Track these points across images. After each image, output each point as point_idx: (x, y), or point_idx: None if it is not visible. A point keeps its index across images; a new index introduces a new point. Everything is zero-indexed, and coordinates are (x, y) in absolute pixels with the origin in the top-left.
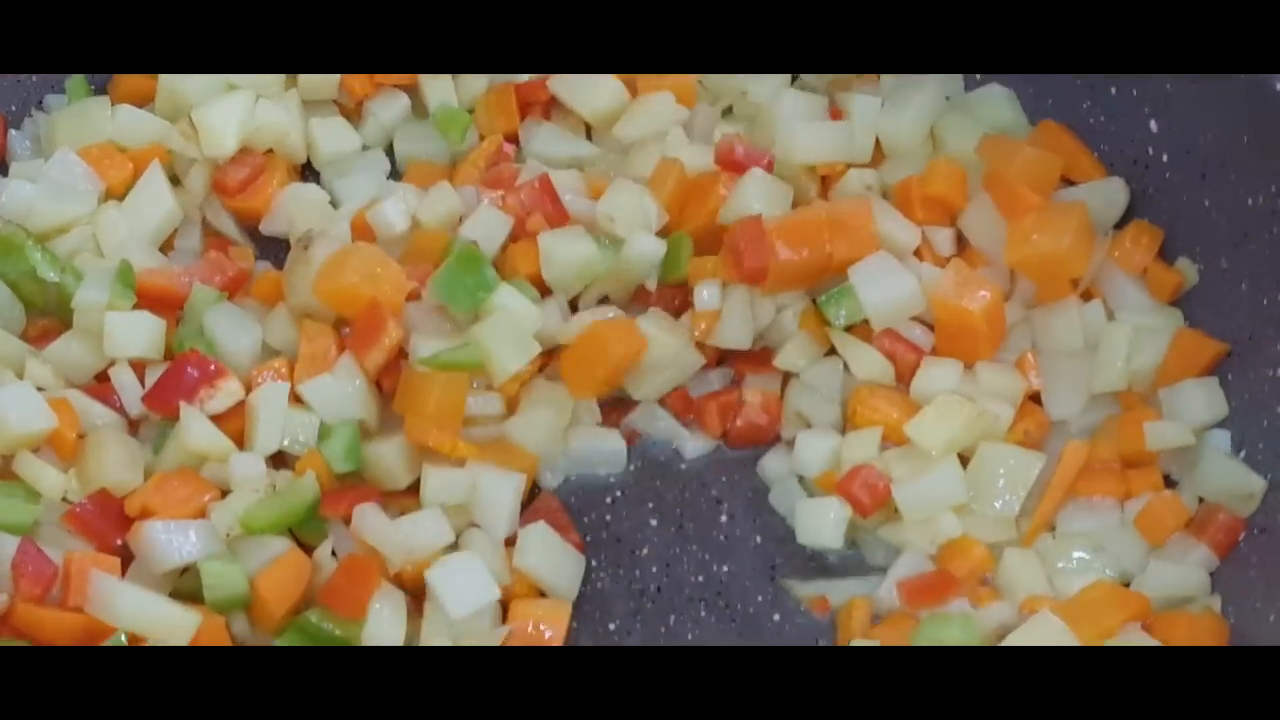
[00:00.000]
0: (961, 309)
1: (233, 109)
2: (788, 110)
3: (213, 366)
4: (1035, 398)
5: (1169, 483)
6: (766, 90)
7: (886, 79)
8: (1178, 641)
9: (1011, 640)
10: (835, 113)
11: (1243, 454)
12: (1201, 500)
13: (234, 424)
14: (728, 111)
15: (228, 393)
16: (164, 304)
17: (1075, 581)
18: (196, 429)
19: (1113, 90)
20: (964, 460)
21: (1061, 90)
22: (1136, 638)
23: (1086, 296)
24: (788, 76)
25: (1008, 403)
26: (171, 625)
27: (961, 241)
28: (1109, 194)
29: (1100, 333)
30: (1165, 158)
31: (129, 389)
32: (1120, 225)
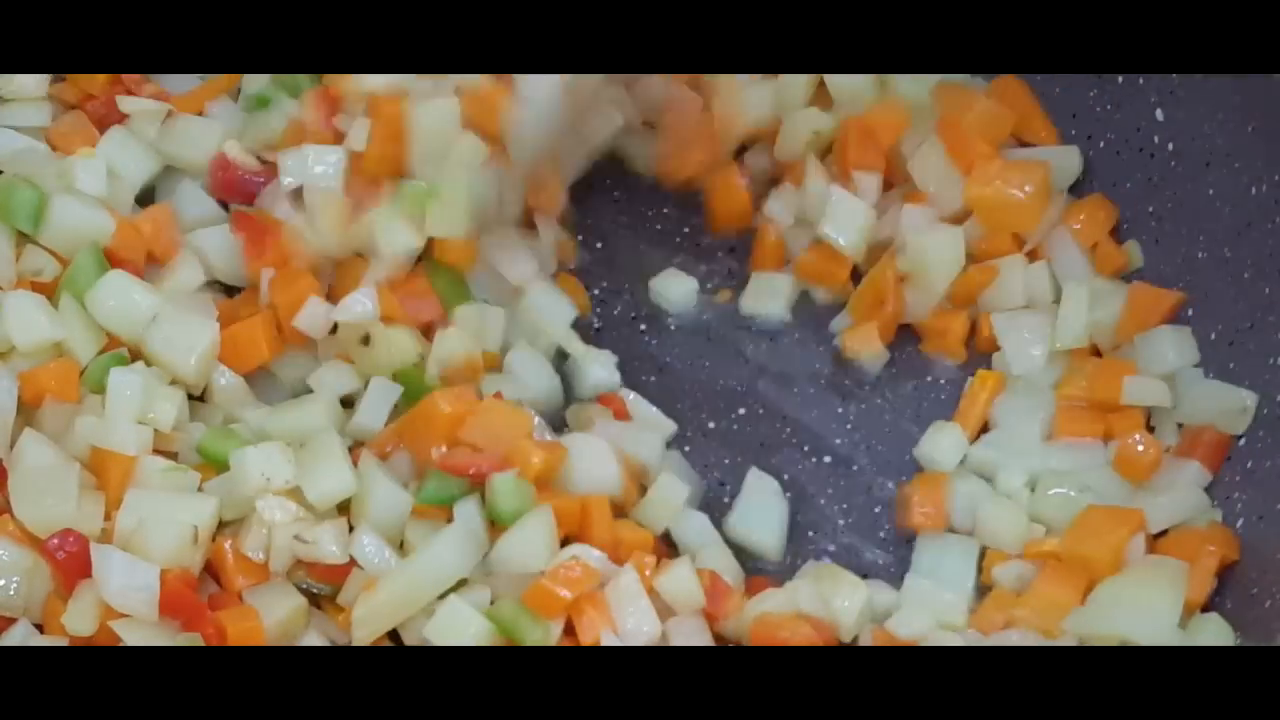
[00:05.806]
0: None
1: None
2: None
3: None
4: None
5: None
6: None
7: None
8: (1192, 557)
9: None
10: None
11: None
12: (1181, 427)
13: None
14: None
15: None
16: None
17: (1065, 515)
18: None
19: (1119, 80)
20: None
21: (1069, 77)
22: (1152, 559)
23: (1032, 257)
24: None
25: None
26: None
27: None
28: (1063, 161)
29: (1043, 293)
30: (1171, 146)
31: None
32: (1081, 197)
